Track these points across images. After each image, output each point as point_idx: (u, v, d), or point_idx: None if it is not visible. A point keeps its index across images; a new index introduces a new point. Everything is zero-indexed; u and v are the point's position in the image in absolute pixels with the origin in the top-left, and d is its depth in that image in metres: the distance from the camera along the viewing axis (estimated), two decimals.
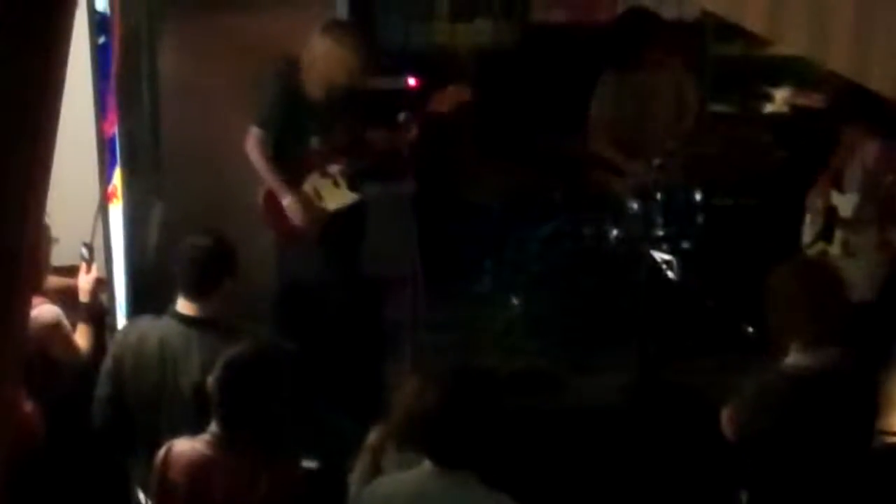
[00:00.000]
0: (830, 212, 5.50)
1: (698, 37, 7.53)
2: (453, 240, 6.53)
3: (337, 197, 5.74)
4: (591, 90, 6.50)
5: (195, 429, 3.92)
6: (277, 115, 5.63)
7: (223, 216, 5.47)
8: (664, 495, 5.17)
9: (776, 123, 7.41)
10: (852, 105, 5.30)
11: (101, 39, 4.84)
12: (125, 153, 5.30)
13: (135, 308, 5.09)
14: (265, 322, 5.43)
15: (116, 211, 5.10)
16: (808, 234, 5.60)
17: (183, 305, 4.33)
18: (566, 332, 6.28)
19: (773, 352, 4.11)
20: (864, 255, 5.35)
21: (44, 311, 4.33)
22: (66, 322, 4.46)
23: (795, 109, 7.49)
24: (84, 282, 4.66)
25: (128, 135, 5.44)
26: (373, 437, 3.74)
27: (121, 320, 5.02)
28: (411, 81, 6.80)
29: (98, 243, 4.81)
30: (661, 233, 6.24)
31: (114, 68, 5.07)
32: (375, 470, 3.65)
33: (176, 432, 3.99)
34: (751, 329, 5.94)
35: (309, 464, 4.54)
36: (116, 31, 5.16)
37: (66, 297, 4.59)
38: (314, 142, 5.68)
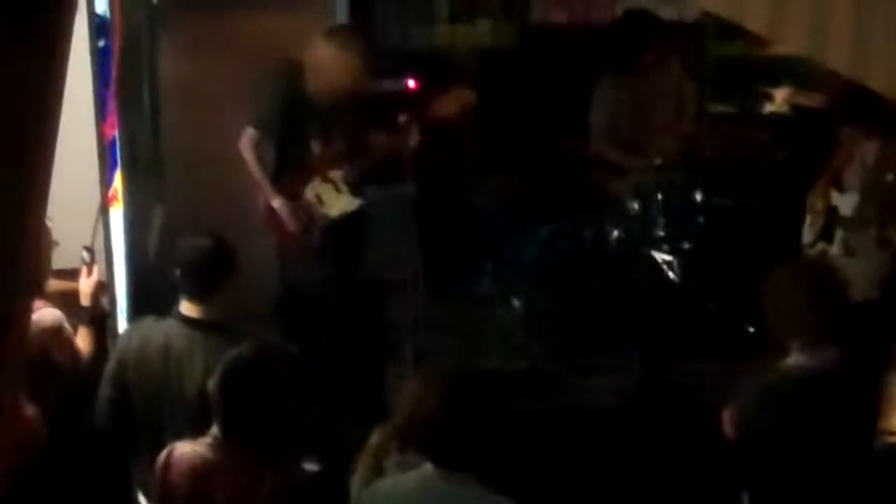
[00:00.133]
0: (831, 212, 5.50)
1: (698, 37, 7.53)
2: (454, 241, 6.52)
3: (339, 203, 5.74)
4: (591, 91, 6.50)
5: (199, 431, 3.92)
6: (276, 118, 5.62)
7: (224, 219, 5.47)
8: (665, 496, 5.17)
9: (776, 123, 7.41)
10: (852, 105, 5.30)
11: (102, 43, 4.84)
12: (126, 156, 5.30)
13: (136, 311, 5.09)
14: (266, 324, 5.42)
15: (117, 214, 5.10)
16: (808, 234, 5.60)
17: (186, 307, 4.34)
18: (567, 334, 6.29)
19: (774, 352, 4.11)
20: (865, 255, 5.36)
21: (45, 314, 4.33)
22: (67, 325, 4.46)
23: (795, 109, 7.48)
24: (85, 285, 4.65)
25: (128, 138, 5.44)
26: (374, 438, 3.73)
27: (122, 323, 5.02)
28: (411, 83, 6.81)
29: (99, 246, 4.81)
30: (661, 233, 6.24)
31: (114, 71, 5.07)
32: (377, 471, 3.65)
33: (179, 435, 3.99)
34: (751, 329, 5.94)
35: (310, 466, 4.54)
36: (116, 35, 5.16)
37: (68, 301, 4.59)
38: (316, 147, 5.67)
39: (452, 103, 5.70)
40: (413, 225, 6.09)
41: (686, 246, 6.25)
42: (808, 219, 5.58)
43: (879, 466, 4.12)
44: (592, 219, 6.46)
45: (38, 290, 4.22)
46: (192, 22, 6.42)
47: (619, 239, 6.34)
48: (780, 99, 7.60)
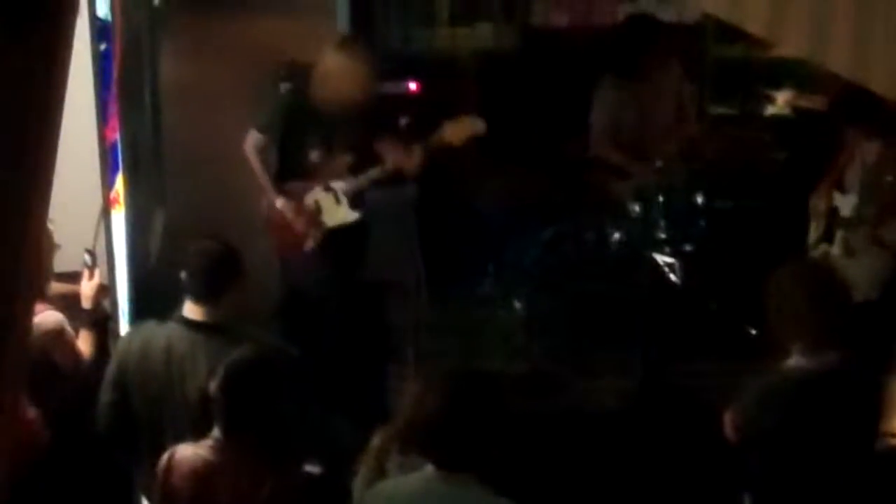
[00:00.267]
0: (832, 213, 5.50)
1: (699, 39, 7.54)
2: (455, 243, 6.53)
3: (336, 214, 5.73)
4: (593, 94, 6.51)
5: (200, 434, 3.92)
6: (280, 124, 5.64)
7: (225, 222, 5.48)
8: (667, 498, 5.17)
9: (777, 125, 7.41)
10: (853, 106, 5.30)
11: (103, 46, 4.84)
12: (127, 159, 5.31)
13: (137, 314, 5.10)
14: (268, 326, 5.43)
15: (119, 217, 5.10)
16: (811, 236, 5.60)
17: (189, 310, 4.33)
18: (568, 336, 6.29)
19: (775, 354, 4.11)
20: (865, 256, 5.35)
21: (47, 317, 4.33)
22: (68, 328, 4.46)
23: (796, 111, 7.48)
24: (87, 288, 4.65)
25: (130, 141, 5.45)
26: (376, 440, 3.73)
27: (123, 326, 5.02)
28: (412, 86, 6.81)
29: (100, 249, 4.81)
30: (663, 235, 6.25)
31: (115, 75, 5.08)
32: (379, 473, 3.65)
33: (180, 438, 3.99)
34: (753, 331, 5.94)
35: (312, 468, 4.53)
36: (118, 38, 5.17)
37: (69, 304, 4.58)
38: (320, 155, 5.67)
39: (462, 131, 5.69)
40: (414, 226, 6.10)
41: (687, 248, 6.25)
42: (814, 224, 5.58)
43: (880, 468, 4.11)
44: (594, 221, 6.46)
45: (39, 293, 4.22)
46: (193, 25, 6.45)
47: (620, 241, 6.34)
48: (781, 101, 7.60)
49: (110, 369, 4.37)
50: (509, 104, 7.17)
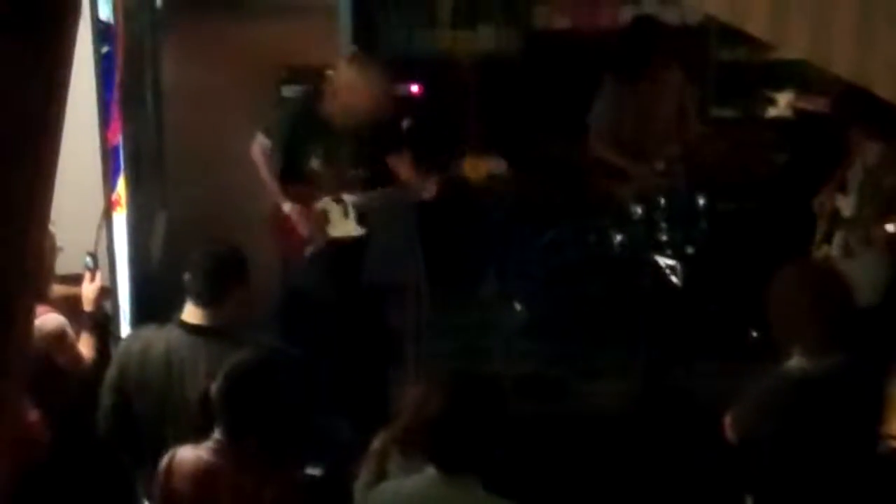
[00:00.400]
0: (834, 215, 5.50)
1: (702, 41, 7.54)
2: (457, 246, 6.53)
3: (343, 227, 5.75)
4: (594, 96, 6.51)
5: (201, 436, 3.91)
6: (289, 133, 5.65)
7: (227, 225, 5.49)
8: (668, 500, 5.17)
9: (780, 127, 7.42)
10: (855, 108, 5.30)
11: (105, 48, 4.85)
12: (129, 162, 5.31)
13: (139, 317, 5.10)
14: (269, 329, 5.43)
15: (120, 220, 5.11)
16: (815, 239, 5.60)
17: (190, 314, 4.30)
18: (570, 338, 6.29)
19: (777, 356, 4.11)
20: (867, 258, 5.35)
21: (48, 319, 4.33)
22: (70, 331, 4.46)
23: (799, 113, 7.49)
24: (88, 291, 4.65)
25: (131, 143, 5.46)
26: (377, 442, 3.74)
27: (125, 329, 5.02)
28: (414, 88, 6.81)
29: (102, 252, 4.81)
30: (664, 238, 6.25)
31: (117, 77, 5.09)
32: (380, 475, 3.65)
33: (181, 440, 3.98)
34: (754, 333, 5.94)
35: (313, 471, 4.53)
36: (120, 41, 5.17)
37: (71, 306, 4.58)
38: (326, 165, 5.67)
39: (482, 167, 5.70)
40: (416, 229, 6.10)
41: (688, 250, 6.25)
42: (819, 227, 5.58)
43: (881, 471, 4.11)
44: (596, 223, 6.46)
45: (41, 295, 4.22)
46: (195, 28, 6.44)
47: (622, 243, 6.34)
48: (783, 103, 7.60)
49: (111, 373, 4.36)
50: (511, 107, 7.18)
